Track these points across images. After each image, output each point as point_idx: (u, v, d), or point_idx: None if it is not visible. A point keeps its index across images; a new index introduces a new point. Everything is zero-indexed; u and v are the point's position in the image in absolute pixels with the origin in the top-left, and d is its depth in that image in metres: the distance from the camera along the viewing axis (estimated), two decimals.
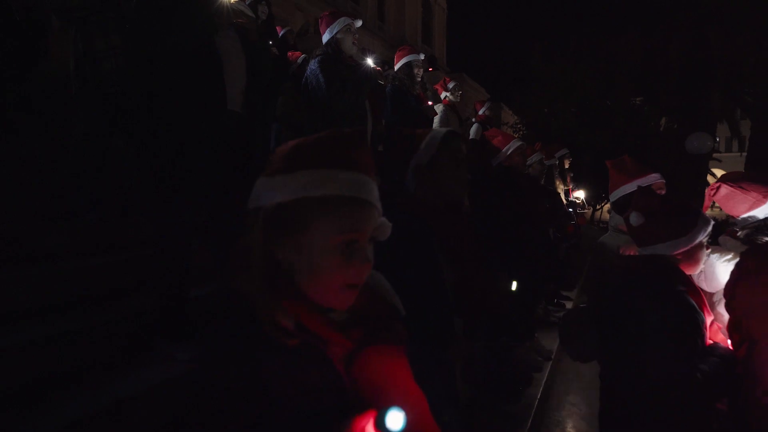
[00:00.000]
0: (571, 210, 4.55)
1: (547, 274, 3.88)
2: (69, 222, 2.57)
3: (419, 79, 3.88)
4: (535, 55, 14.90)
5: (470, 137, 5.86)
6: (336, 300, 0.77)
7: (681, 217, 1.58)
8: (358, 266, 0.76)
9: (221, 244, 2.07)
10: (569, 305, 4.64)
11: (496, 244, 2.34)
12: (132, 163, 2.76)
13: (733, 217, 1.86)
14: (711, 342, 1.53)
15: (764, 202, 1.74)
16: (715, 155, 17.53)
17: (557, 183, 4.59)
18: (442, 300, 1.47)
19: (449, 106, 4.99)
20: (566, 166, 5.15)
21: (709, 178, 15.15)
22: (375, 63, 3.32)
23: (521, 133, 15.13)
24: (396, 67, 3.89)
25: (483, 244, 1.80)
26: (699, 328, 1.48)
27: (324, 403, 0.73)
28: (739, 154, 14.48)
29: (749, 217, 1.74)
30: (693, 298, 1.49)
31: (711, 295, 1.81)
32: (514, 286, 2.09)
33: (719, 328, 1.57)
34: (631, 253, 1.77)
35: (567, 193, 5.11)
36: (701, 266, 1.56)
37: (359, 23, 2.96)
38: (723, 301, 1.51)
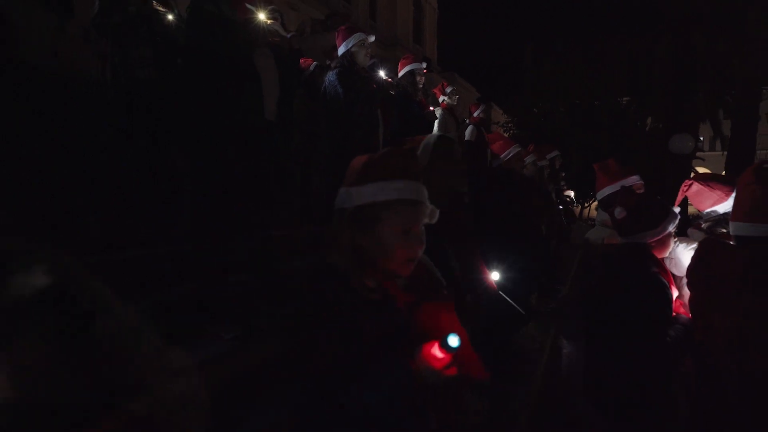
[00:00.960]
0: (562, 207, 4.92)
1: (540, 267, 4.25)
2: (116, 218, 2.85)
3: (421, 86, 4.21)
4: (526, 57, 15.34)
5: (465, 138, 6.22)
6: (400, 270, 1.10)
7: (655, 211, 1.94)
8: (414, 246, 1.09)
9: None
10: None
11: (494, 238, 2.67)
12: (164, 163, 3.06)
13: (700, 212, 2.23)
14: (675, 313, 1.90)
15: (726, 200, 2.11)
16: (698, 154, 18.20)
17: (549, 183, 4.96)
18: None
19: (447, 110, 5.33)
20: (557, 167, 5.52)
21: (693, 176, 15.76)
22: (386, 75, 3.63)
23: (512, 132, 15.55)
24: (399, 75, 4.22)
25: (481, 238, 2.13)
26: (669, 301, 1.84)
27: (396, 337, 1.06)
28: (721, 152, 15.08)
29: (712, 211, 2.11)
30: (663, 277, 1.85)
31: (680, 278, 2.17)
32: (496, 276, 2.38)
33: (681, 303, 1.93)
34: (614, 242, 2.13)
35: (558, 192, 5.50)
36: (669, 251, 1.92)
37: (372, 38, 3.29)
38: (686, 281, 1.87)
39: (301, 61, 4.65)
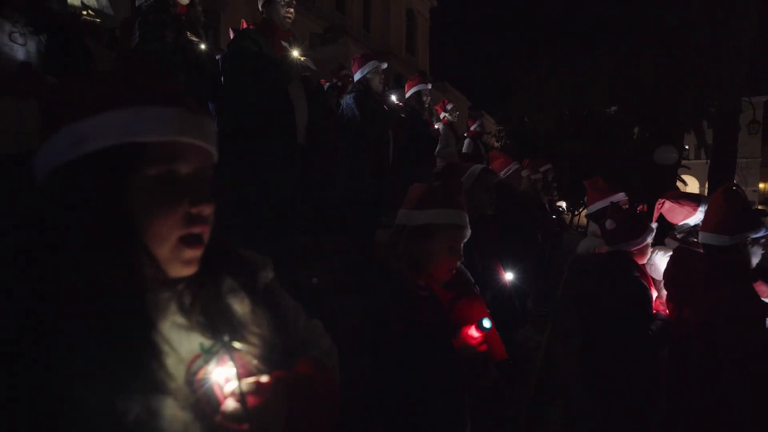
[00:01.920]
0: (555, 217, 5.34)
1: (536, 273, 4.65)
2: None
3: (427, 106, 4.61)
4: (516, 68, 15.91)
5: (463, 151, 6.64)
6: (443, 277, 1.47)
7: (637, 224, 2.34)
8: (456, 260, 1.46)
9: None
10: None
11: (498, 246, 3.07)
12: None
13: (674, 224, 2.64)
14: (655, 311, 2.29)
15: (694, 213, 2.52)
16: (684, 162, 18.94)
17: (542, 194, 5.37)
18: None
19: (448, 125, 5.73)
20: (549, 179, 5.95)
21: (679, 184, 16.47)
22: (398, 99, 4.02)
23: (503, 142, 16.04)
24: (407, 95, 4.62)
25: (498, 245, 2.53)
26: (649, 300, 2.23)
27: (441, 325, 1.42)
28: (705, 161, 15.73)
29: (684, 224, 2.52)
30: (644, 280, 2.24)
31: (659, 281, 2.57)
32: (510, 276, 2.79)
33: (660, 302, 2.33)
34: (603, 251, 2.52)
35: (551, 203, 5.92)
36: (647, 258, 2.32)
37: (385, 65, 3.68)
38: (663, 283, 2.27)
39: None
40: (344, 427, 0.90)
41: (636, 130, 17.54)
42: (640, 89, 15.55)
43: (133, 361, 0.59)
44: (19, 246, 0.61)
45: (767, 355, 2.00)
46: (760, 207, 35.03)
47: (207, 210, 0.67)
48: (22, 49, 1.86)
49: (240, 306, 0.74)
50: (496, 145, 14.91)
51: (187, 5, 3.69)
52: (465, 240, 1.47)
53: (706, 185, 14.62)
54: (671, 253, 2.47)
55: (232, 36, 4.92)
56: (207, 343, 0.66)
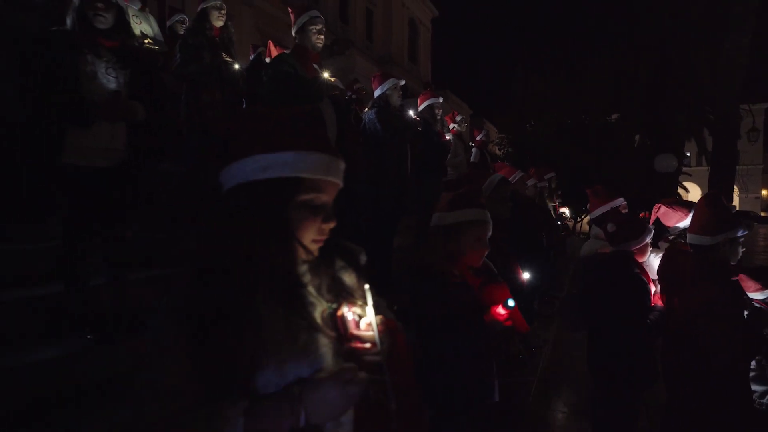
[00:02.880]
0: (559, 223, 5.70)
1: (541, 275, 4.98)
2: None
3: (439, 118, 4.98)
4: (517, 77, 16.34)
5: (471, 160, 7.02)
6: (476, 263, 1.82)
7: (637, 226, 2.68)
8: (484, 249, 1.80)
9: None
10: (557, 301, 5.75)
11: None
12: None
13: (668, 227, 2.99)
14: (654, 303, 2.63)
15: (686, 218, 2.87)
16: (685, 169, 19.37)
17: (547, 201, 5.73)
18: None
19: (457, 136, 6.11)
20: (553, 186, 6.31)
21: (680, 191, 16.87)
22: (414, 114, 4.39)
23: (505, 149, 16.40)
24: (420, 108, 4.99)
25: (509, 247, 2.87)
26: (648, 293, 2.57)
27: (473, 305, 1.76)
28: (706, 168, 16.11)
29: (675, 227, 2.87)
30: (644, 276, 2.58)
31: (654, 279, 2.91)
32: (527, 275, 3.15)
33: (659, 297, 2.67)
34: (606, 251, 2.87)
35: (555, 209, 6.27)
36: (647, 256, 2.66)
37: (403, 82, 4.05)
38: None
39: None
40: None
41: (637, 137, 17.98)
42: (640, 98, 16.01)
43: (297, 304, 0.93)
44: (225, 233, 0.95)
45: (752, 354, 2.35)
46: (762, 214, 35.46)
47: (332, 225, 1.00)
48: (114, 80, 2.23)
49: (348, 278, 1.08)
50: (499, 153, 15.28)
51: (221, 28, 4.09)
52: (489, 233, 1.82)
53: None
54: (663, 253, 2.81)
55: (252, 51, 5.31)
56: (330, 297, 1.01)
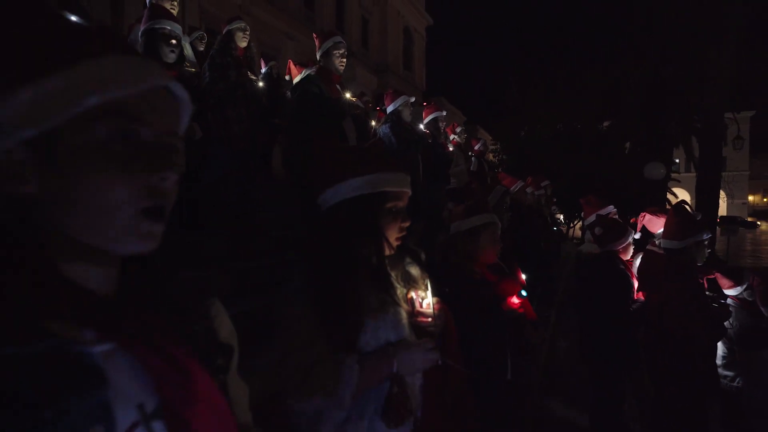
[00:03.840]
0: (555, 228, 6.15)
1: (539, 276, 5.42)
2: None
3: (443, 131, 5.40)
4: (511, 87, 16.90)
5: (471, 169, 7.46)
6: (493, 258, 2.23)
7: (620, 229, 3.12)
8: (498, 247, 2.22)
9: None
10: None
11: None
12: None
13: (653, 233, 3.42)
14: (637, 297, 3.06)
15: None
16: (674, 176, 20.06)
17: (544, 208, 6.20)
18: None
19: (457, 146, 6.55)
20: (549, 193, 6.77)
21: (670, 197, 17.51)
22: (425, 128, 4.81)
23: (500, 157, 16.90)
24: (425, 121, 5.42)
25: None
26: (631, 287, 3.00)
27: (491, 297, 2.17)
28: (695, 174, 16.73)
29: (660, 233, 3.30)
30: (628, 272, 3.01)
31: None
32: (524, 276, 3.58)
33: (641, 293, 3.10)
34: (596, 252, 3.30)
35: (551, 215, 6.74)
36: (630, 253, 3.09)
37: (413, 99, 4.47)
38: None
39: None
40: None
41: (627, 145, 18.63)
42: (631, 106, 16.67)
43: (385, 286, 1.33)
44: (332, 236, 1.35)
45: (714, 338, 2.77)
46: (749, 219, 36.53)
47: (408, 224, 1.40)
48: None
49: (414, 270, 1.48)
50: (493, 159, 15.77)
51: (244, 48, 4.48)
52: (499, 233, 2.23)
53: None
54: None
55: (264, 64, 5.67)
56: (403, 283, 1.41)
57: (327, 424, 1.19)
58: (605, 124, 18.18)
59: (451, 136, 6.62)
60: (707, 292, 2.95)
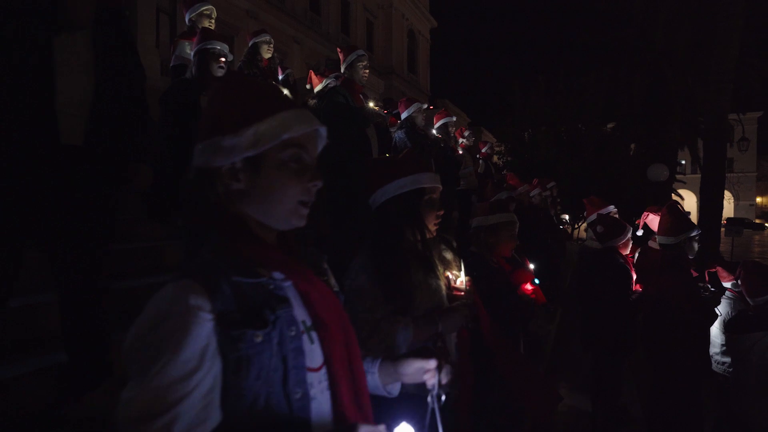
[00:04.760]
0: (560, 227, 6.53)
1: (545, 272, 5.78)
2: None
3: (452, 135, 5.79)
4: (515, 90, 17.27)
5: (479, 171, 7.84)
6: (509, 252, 2.61)
7: (620, 227, 3.49)
8: (515, 242, 2.60)
9: None
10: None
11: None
12: None
13: (654, 231, 3.80)
14: (635, 288, 3.43)
15: None
16: (680, 177, 20.40)
17: (550, 208, 6.57)
18: None
19: (465, 149, 6.93)
20: (554, 194, 7.15)
21: (674, 197, 17.87)
22: (437, 133, 5.20)
23: (504, 158, 17.26)
24: (436, 126, 5.80)
25: None
26: (630, 278, 3.38)
27: (507, 283, 2.55)
28: (700, 176, 17.04)
29: None
30: (627, 265, 3.39)
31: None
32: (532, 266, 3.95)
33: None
34: (598, 247, 3.68)
35: (557, 215, 7.11)
36: (629, 249, 3.47)
37: (425, 106, 4.86)
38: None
39: None
40: None
41: (632, 146, 18.98)
42: (634, 109, 17.05)
43: (428, 265, 1.71)
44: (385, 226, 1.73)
45: (704, 323, 3.13)
46: (757, 221, 36.73)
47: (442, 213, 1.79)
48: None
49: (447, 254, 1.86)
50: (498, 161, 16.11)
51: (268, 59, 4.88)
52: (517, 231, 2.60)
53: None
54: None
55: (281, 72, 6.05)
56: (440, 264, 1.79)
57: None
58: (609, 126, 18.52)
59: (460, 140, 7.00)
60: (700, 283, 3.32)
